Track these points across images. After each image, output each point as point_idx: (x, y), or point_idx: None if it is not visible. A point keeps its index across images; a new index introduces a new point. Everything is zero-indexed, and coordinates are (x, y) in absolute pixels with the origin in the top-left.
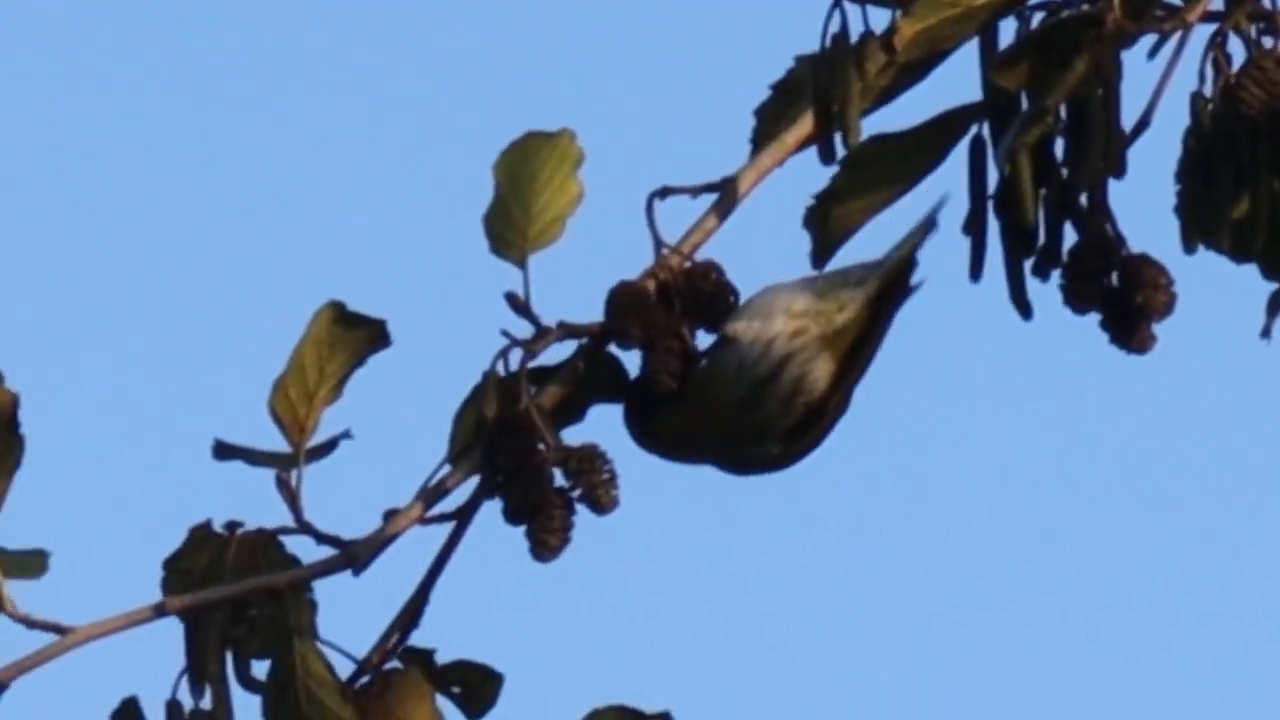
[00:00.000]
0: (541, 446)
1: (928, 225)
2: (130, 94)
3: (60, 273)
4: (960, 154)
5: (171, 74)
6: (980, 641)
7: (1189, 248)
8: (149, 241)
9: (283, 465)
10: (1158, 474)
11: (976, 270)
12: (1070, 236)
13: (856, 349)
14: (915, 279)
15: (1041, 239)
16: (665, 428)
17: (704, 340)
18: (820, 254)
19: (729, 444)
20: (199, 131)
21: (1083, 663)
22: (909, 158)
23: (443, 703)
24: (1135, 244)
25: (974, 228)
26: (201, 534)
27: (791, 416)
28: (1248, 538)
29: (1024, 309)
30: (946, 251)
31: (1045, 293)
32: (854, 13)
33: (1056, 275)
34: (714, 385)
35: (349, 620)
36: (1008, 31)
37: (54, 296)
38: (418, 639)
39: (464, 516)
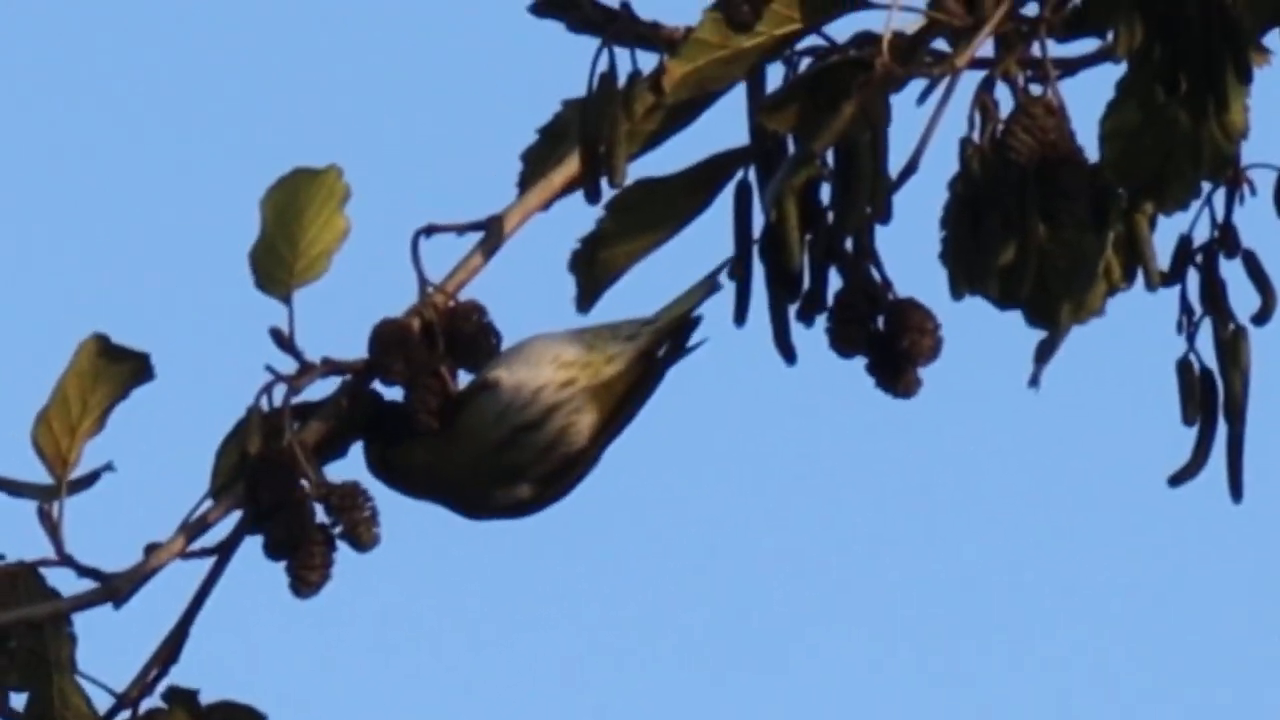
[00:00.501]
0: (304, 482)
1: (708, 285)
2: None
3: None
4: (726, 198)
5: None
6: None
7: (956, 295)
8: None
9: (44, 497)
10: (923, 518)
11: (741, 315)
12: (836, 282)
13: (621, 403)
14: (694, 339)
15: (806, 284)
16: (409, 461)
17: (465, 380)
18: (585, 298)
19: (474, 485)
20: None
21: None
22: (675, 202)
23: None
24: (902, 288)
25: (739, 272)
26: None
27: (546, 465)
28: (1007, 579)
29: (788, 354)
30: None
31: (811, 337)
32: (622, 55)
33: (822, 320)
34: (471, 427)
35: (109, 655)
36: (776, 76)
37: None
38: (177, 674)
39: (225, 551)
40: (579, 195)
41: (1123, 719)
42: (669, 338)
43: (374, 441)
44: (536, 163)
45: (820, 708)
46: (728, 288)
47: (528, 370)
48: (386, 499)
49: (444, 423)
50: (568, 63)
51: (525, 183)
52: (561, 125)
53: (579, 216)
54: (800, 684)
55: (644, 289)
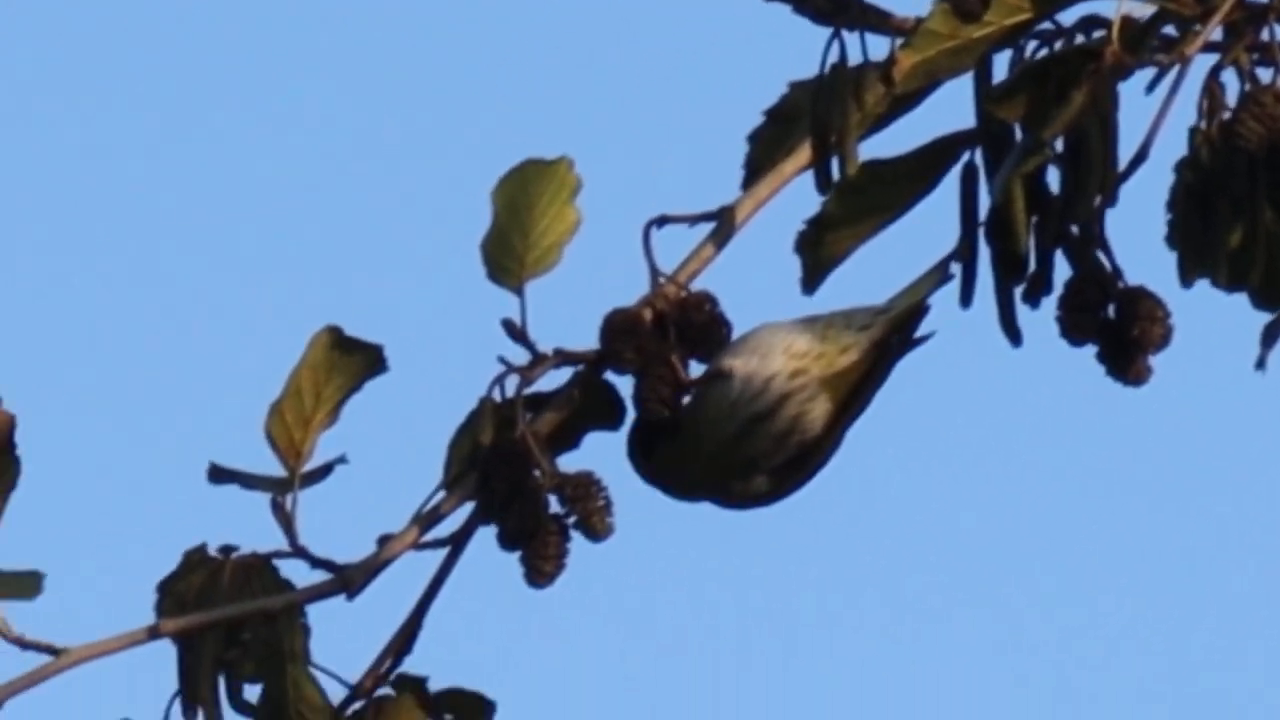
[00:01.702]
0: (537, 473)
1: (939, 273)
2: (134, 101)
3: (59, 294)
4: (952, 181)
5: (178, 85)
6: (975, 675)
7: (1186, 281)
8: (147, 264)
9: (278, 489)
10: (1155, 506)
11: (967, 297)
12: (1062, 265)
13: (855, 392)
14: (924, 330)
15: (1033, 267)
16: (662, 461)
17: (696, 371)
18: (810, 279)
19: (716, 477)
20: (196, 150)
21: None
22: (901, 184)
23: None
24: (1131, 275)
25: (965, 254)
26: (196, 557)
27: (783, 454)
28: (1247, 566)
29: (1014, 336)
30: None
31: (1040, 322)
32: (852, 41)
33: (1050, 304)
34: (705, 418)
35: (342, 645)
36: (1001, 59)
37: (52, 317)
38: (411, 665)
39: (459, 542)
40: (805, 177)
41: None
42: (901, 327)
43: (633, 452)
44: (763, 145)
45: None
46: (950, 286)
47: (759, 360)
48: (622, 486)
49: (676, 413)
50: (792, 45)
51: (752, 165)
52: (788, 107)
53: (808, 200)
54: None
55: (870, 272)
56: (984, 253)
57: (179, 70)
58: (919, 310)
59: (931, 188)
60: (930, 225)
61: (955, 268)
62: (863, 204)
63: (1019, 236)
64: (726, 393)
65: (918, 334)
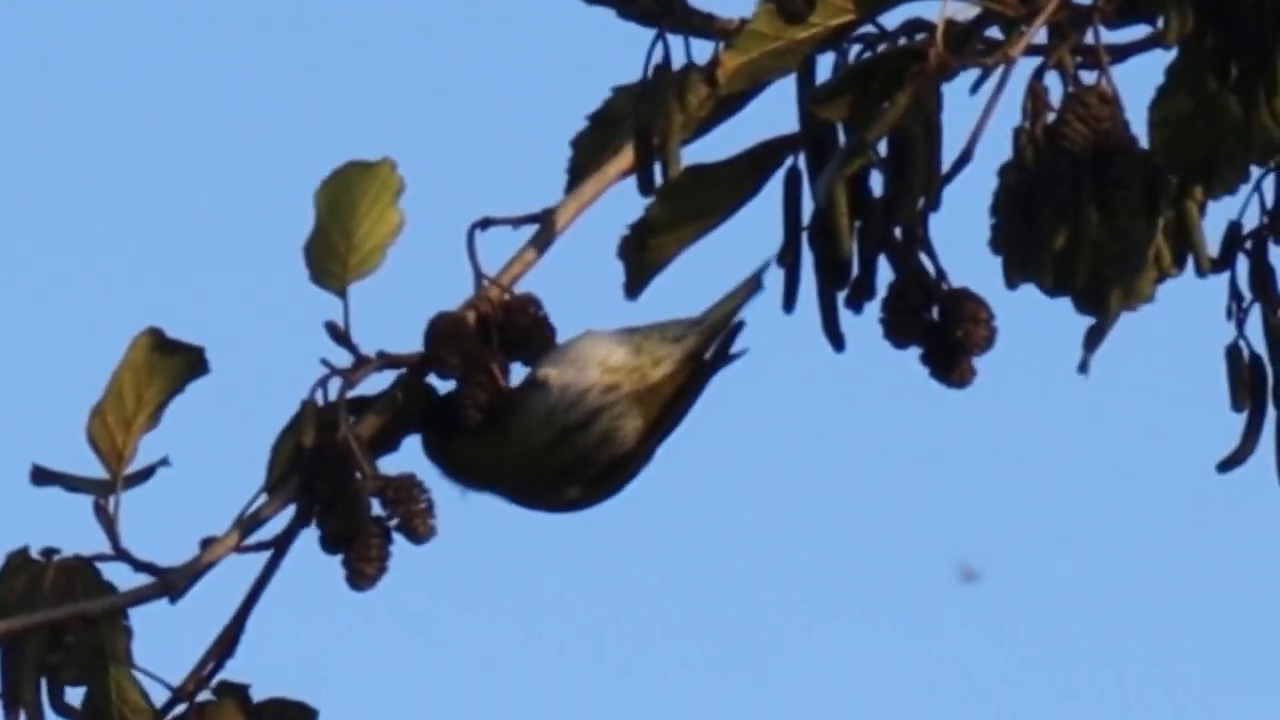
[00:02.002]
0: (359, 475)
1: (752, 285)
2: None
3: None
4: (775, 185)
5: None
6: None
7: (1012, 283)
8: None
9: (100, 491)
10: (976, 507)
11: (790, 301)
12: (885, 270)
13: (669, 406)
14: (737, 347)
15: (855, 271)
16: (464, 455)
17: (519, 374)
18: (633, 284)
19: (526, 483)
20: (13, 146)
21: None
22: (724, 188)
23: None
24: (955, 278)
25: (788, 259)
26: (18, 560)
27: (594, 466)
28: (1066, 571)
29: (837, 341)
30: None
31: (863, 325)
32: (676, 44)
33: (873, 307)
34: (520, 425)
35: (165, 648)
36: (825, 63)
37: None
38: (233, 668)
39: (281, 545)
40: (628, 182)
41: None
42: (715, 339)
43: (434, 432)
44: (586, 150)
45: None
46: (771, 286)
47: (575, 371)
48: (442, 491)
49: (494, 420)
50: (616, 49)
51: (576, 170)
52: (612, 112)
53: (629, 204)
54: (848, 678)
55: (694, 276)
56: (807, 258)
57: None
58: (733, 324)
59: (755, 192)
60: (754, 228)
61: (769, 278)
62: (686, 208)
63: (842, 241)
64: (543, 402)
65: (734, 349)
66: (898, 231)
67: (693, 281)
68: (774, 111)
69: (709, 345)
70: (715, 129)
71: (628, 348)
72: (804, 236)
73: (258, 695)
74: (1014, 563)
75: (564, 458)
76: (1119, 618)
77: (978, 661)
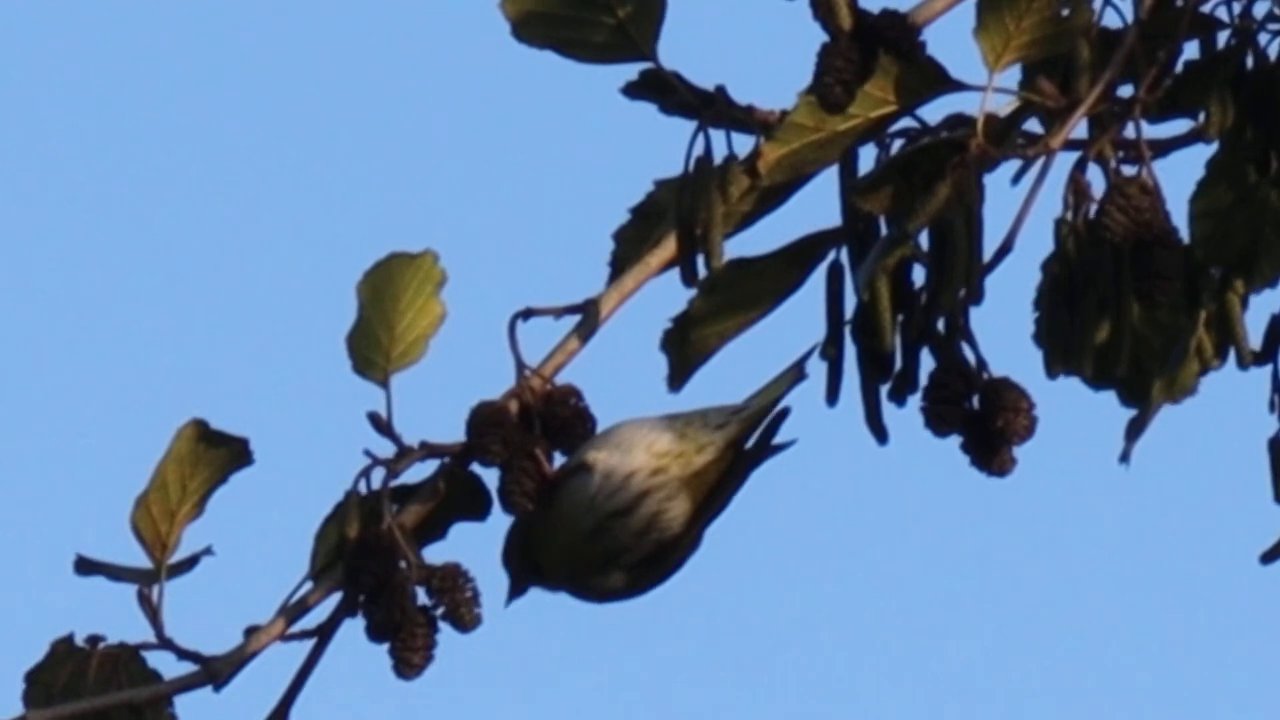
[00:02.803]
0: (404, 565)
1: (795, 373)
2: None
3: None
4: (818, 278)
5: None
6: None
7: (1052, 374)
8: (9, 355)
9: (144, 581)
10: (1019, 596)
11: (834, 394)
12: (928, 362)
13: (713, 492)
14: (784, 436)
15: (899, 364)
16: (529, 555)
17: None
18: (676, 377)
19: (573, 569)
20: (54, 236)
21: None
22: (767, 282)
23: None
24: (996, 367)
25: (831, 352)
26: (63, 648)
27: (640, 551)
28: (1109, 658)
29: (880, 434)
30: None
31: (905, 416)
32: (717, 137)
33: (915, 399)
34: (565, 511)
35: None
36: (868, 156)
37: None
38: None
39: (325, 633)
40: (671, 273)
41: None
42: (757, 425)
43: (518, 560)
44: (628, 242)
45: None
46: (814, 377)
47: (620, 456)
48: (489, 577)
49: (540, 505)
50: (658, 142)
51: (617, 262)
52: (653, 205)
53: (672, 295)
54: None
55: (737, 369)
56: (850, 351)
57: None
58: (776, 413)
59: (798, 285)
60: (797, 321)
61: (810, 367)
62: (729, 301)
63: (884, 335)
64: (586, 486)
65: (778, 440)
66: (940, 324)
67: (734, 373)
68: (817, 204)
69: (752, 432)
70: (758, 222)
71: (672, 433)
72: (847, 330)
73: None
74: (1055, 653)
75: (606, 544)
76: (1162, 711)
77: None
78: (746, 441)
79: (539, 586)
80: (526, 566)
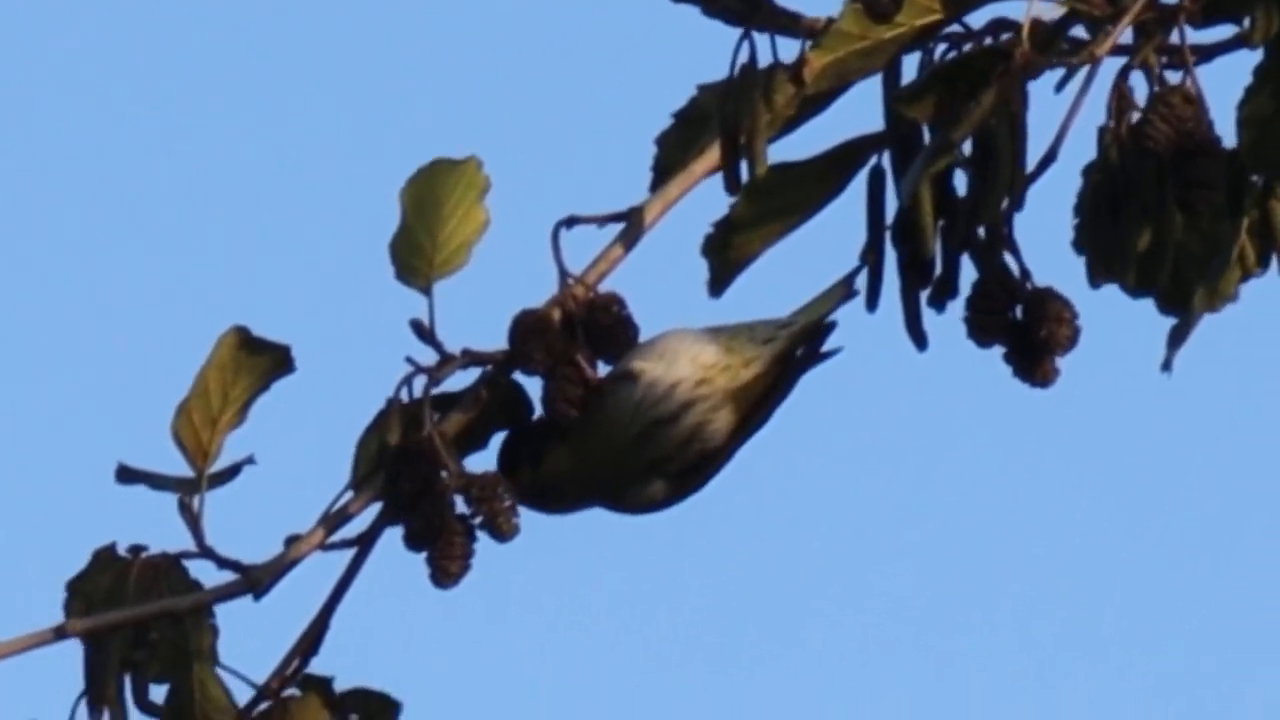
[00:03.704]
0: (444, 473)
1: (843, 289)
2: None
3: None
4: (860, 184)
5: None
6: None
7: (1095, 283)
8: (51, 263)
9: (185, 490)
10: (1061, 508)
11: (874, 300)
12: (969, 269)
13: (757, 405)
14: (829, 346)
15: (939, 271)
16: (556, 473)
17: (603, 372)
18: (717, 282)
19: (612, 479)
20: (99, 148)
21: None
22: (809, 187)
23: None
24: (1039, 277)
25: (871, 257)
26: (105, 557)
27: (681, 461)
28: (1153, 571)
29: (919, 340)
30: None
31: (947, 325)
32: (763, 43)
33: (956, 306)
34: (608, 418)
35: (250, 645)
36: (910, 62)
37: None
38: (318, 665)
39: (366, 543)
40: (714, 180)
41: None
42: (804, 341)
43: (518, 469)
44: (671, 148)
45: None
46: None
47: (665, 366)
48: None
49: (583, 413)
50: (701, 47)
51: (660, 168)
52: (697, 110)
53: (715, 202)
54: (945, 683)
55: (776, 274)
56: (890, 256)
57: (86, 73)
58: (821, 325)
59: (840, 190)
60: (838, 226)
61: (860, 283)
62: (771, 206)
63: (926, 240)
64: (631, 395)
65: (823, 349)
66: (982, 232)
67: (774, 280)
68: (859, 110)
69: (798, 347)
70: (801, 127)
71: (718, 346)
72: (888, 235)
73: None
74: (1099, 564)
75: (649, 452)
76: (1211, 618)
77: (1063, 666)
78: (793, 355)
79: (547, 512)
80: (542, 487)
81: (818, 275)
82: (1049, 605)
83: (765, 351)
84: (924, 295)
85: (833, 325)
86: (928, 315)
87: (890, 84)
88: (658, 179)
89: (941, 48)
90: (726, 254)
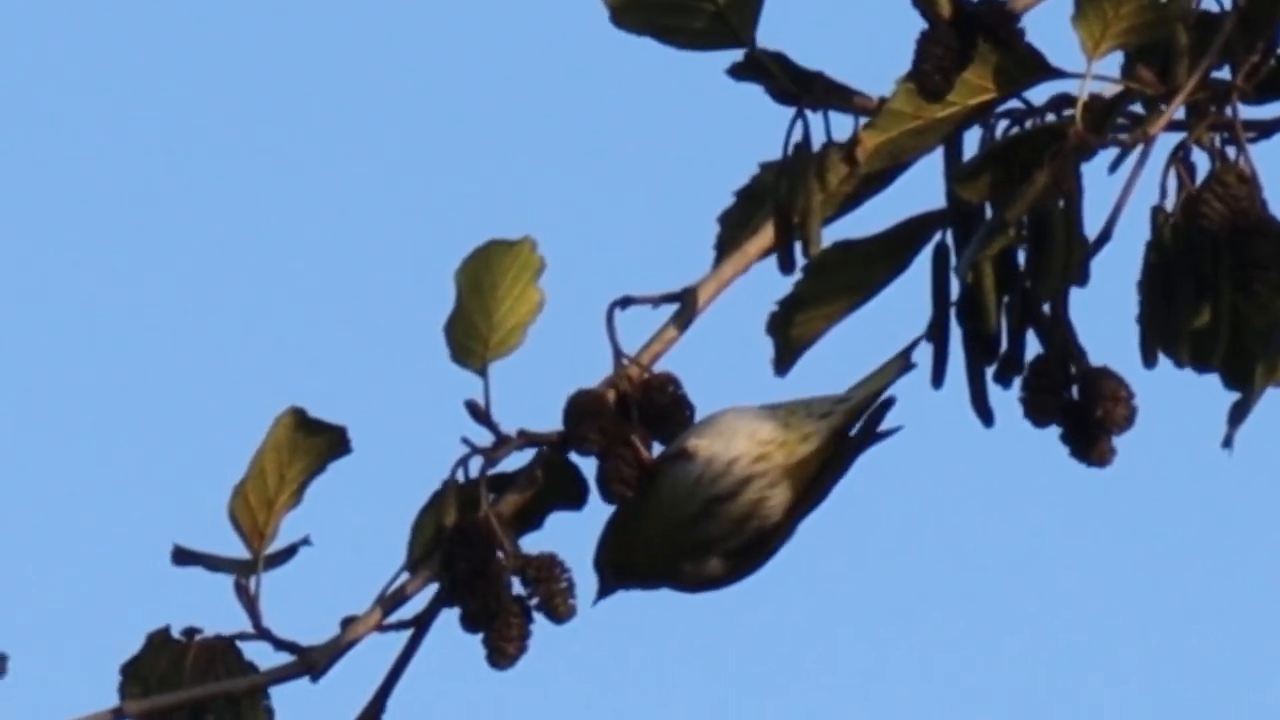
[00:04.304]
0: (500, 554)
1: (901, 363)
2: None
3: (19, 377)
4: (923, 261)
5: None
6: None
7: (1149, 361)
8: (110, 345)
9: (242, 571)
10: (1120, 587)
11: (939, 377)
12: (1033, 344)
13: (814, 481)
14: (889, 424)
15: (1004, 347)
16: (628, 555)
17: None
18: (782, 360)
19: (670, 557)
20: (154, 235)
21: None
22: (872, 265)
23: None
24: (1095, 356)
25: (936, 334)
26: (160, 639)
27: (740, 538)
28: (1211, 649)
29: (985, 416)
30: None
31: (1008, 401)
32: (815, 121)
33: (1017, 385)
34: (665, 497)
35: None
36: (972, 139)
37: (17, 397)
38: None
39: (422, 624)
40: (768, 262)
41: None
42: (861, 416)
43: (608, 560)
44: (733, 225)
45: None
46: (921, 366)
47: (723, 443)
48: (584, 568)
49: (639, 493)
50: (763, 125)
51: (722, 246)
52: (758, 188)
53: (769, 283)
54: None
55: (842, 353)
56: (955, 333)
57: (139, 144)
58: (882, 401)
59: (903, 268)
60: (902, 305)
61: (917, 357)
62: (834, 284)
63: (989, 317)
64: (689, 472)
65: (883, 427)
66: (1045, 308)
67: (837, 359)
68: (924, 186)
69: (855, 422)
70: (863, 205)
71: (775, 422)
72: (952, 312)
73: None
74: (1160, 641)
75: (706, 530)
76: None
77: None
78: (850, 430)
79: (626, 587)
80: (616, 567)
81: (882, 353)
82: (1111, 688)
83: (822, 426)
84: (989, 372)
85: (891, 401)
86: (993, 392)
87: (951, 160)
88: (719, 257)
89: (1003, 124)
90: (790, 331)
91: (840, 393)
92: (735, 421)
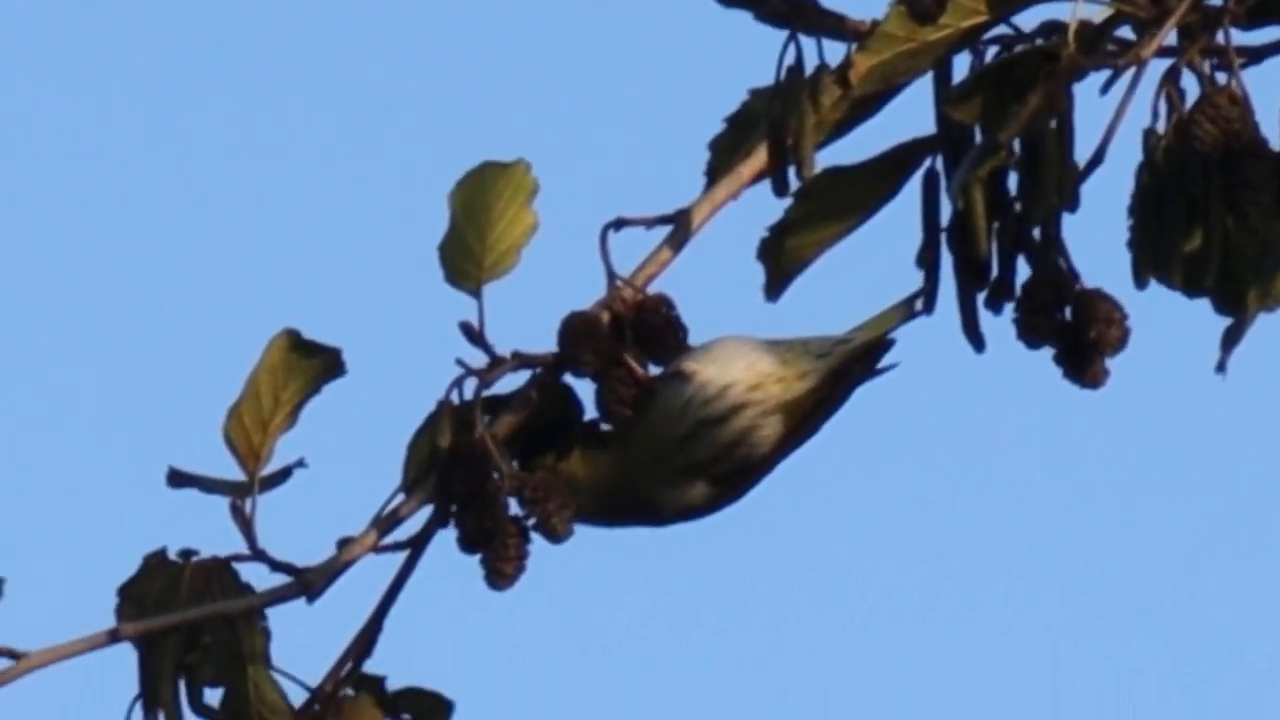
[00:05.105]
0: (496, 475)
1: (906, 309)
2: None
3: (14, 296)
4: (914, 187)
5: (132, 85)
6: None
7: (1140, 283)
8: (104, 267)
9: (237, 493)
10: (1111, 509)
11: (930, 303)
12: (1024, 270)
13: (808, 419)
14: (886, 361)
15: (995, 272)
16: (574, 470)
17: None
18: (773, 285)
19: (653, 483)
20: (151, 152)
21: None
22: (863, 190)
23: None
24: (1088, 278)
25: (927, 260)
26: (156, 561)
27: (724, 465)
28: (1201, 571)
29: (977, 342)
30: (901, 284)
31: (999, 326)
32: (809, 46)
33: (1010, 308)
34: (655, 418)
35: (302, 648)
36: (962, 63)
37: (7, 321)
38: (371, 668)
39: (418, 545)
40: (764, 184)
41: None
42: (861, 358)
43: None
44: (724, 152)
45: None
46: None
47: (718, 367)
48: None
49: (637, 413)
50: (754, 52)
51: (713, 172)
52: (749, 114)
53: (764, 206)
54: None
55: (832, 280)
56: (946, 259)
57: (131, 71)
58: (880, 345)
59: (894, 193)
60: (893, 230)
61: (920, 306)
62: (824, 210)
63: (980, 242)
64: (681, 393)
65: (881, 364)
66: (1036, 232)
67: (831, 285)
68: (913, 113)
69: (853, 365)
70: (852, 131)
71: (774, 357)
72: (943, 238)
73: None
74: (1151, 565)
75: (694, 453)
76: (1264, 620)
77: (1113, 661)
78: (848, 373)
79: (594, 523)
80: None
81: (873, 279)
82: (1099, 608)
83: (820, 366)
84: (980, 297)
85: (891, 343)
86: (985, 316)
87: (941, 86)
88: (711, 183)
89: (992, 49)
90: (781, 257)
91: (840, 334)
92: (734, 349)
